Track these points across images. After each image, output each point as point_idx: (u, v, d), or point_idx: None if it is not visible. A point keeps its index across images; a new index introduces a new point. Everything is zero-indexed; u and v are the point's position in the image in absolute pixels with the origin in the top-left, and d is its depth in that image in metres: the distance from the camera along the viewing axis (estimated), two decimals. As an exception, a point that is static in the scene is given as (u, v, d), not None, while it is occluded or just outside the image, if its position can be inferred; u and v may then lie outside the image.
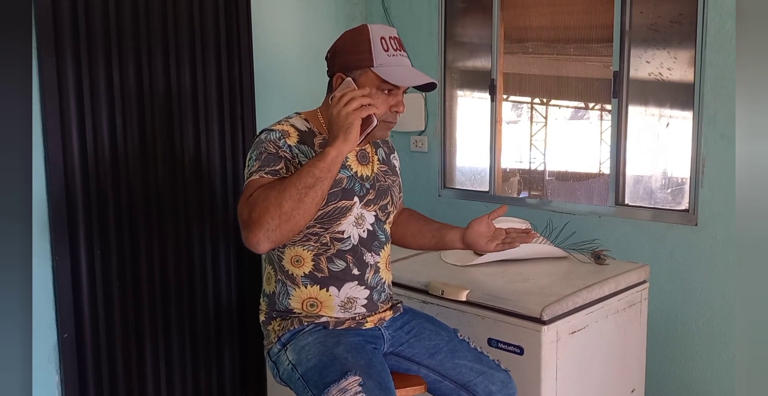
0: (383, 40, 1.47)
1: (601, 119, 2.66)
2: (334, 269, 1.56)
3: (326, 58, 1.56)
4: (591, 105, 2.74)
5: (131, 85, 2.26)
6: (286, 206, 1.34)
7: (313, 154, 1.49)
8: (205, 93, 2.46)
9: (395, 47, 1.48)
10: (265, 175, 1.44)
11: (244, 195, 1.42)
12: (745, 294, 1.11)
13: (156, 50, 2.31)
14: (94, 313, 2.23)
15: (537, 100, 2.94)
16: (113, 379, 2.30)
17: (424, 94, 3.02)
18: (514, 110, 2.97)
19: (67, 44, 2.10)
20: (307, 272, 1.55)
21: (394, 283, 1.86)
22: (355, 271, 1.57)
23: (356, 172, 1.57)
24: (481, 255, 2.13)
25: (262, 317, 1.65)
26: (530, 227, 2.18)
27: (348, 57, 1.48)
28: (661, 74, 2.41)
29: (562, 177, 2.82)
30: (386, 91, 1.48)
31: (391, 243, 1.75)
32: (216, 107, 2.50)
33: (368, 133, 1.43)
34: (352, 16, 3.12)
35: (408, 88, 1.53)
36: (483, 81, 2.92)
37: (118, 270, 2.27)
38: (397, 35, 1.51)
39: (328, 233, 1.54)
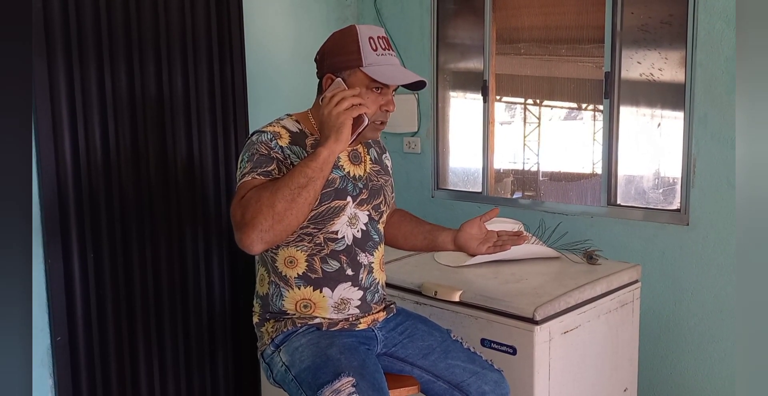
0: (371, 40, 1.48)
1: (594, 120, 2.67)
2: (328, 270, 1.56)
3: (315, 60, 1.57)
4: (583, 105, 2.76)
5: (123, 89, 2.26)
6: (279, 207, 1.34)
7: (305, 155, 1.49)
8: (197, 96, 2.46)
9: (384, 47, 1.49)
10: (257, 177, 1.44)
11: (236, 196, 1.42)
12: (744, 294, 1.11)
13: (148, 53, 2.31)
14: (87, 317, 2.23)
15: (530, 101, 2.95)
16: (107, 383, 2.29)
17: (416, 95, 3.03)
18: (506, 111, 2.98)
19: (59, 48, 2.10)
20: (300, 273, 1.56)
21: (388, 284, 1.86)
22: (349, 272, 1.57)
23: (349, 172, 1.58)
24: (474, 256, 2.13)
25: (255, 319, 1.65)
26: (523, 228, 2.19)
27: (337, 58, 1.49)
28: (652, 75, 2.42)
29: (555, 177, 2.83)
30: (376, 90, 1.49)
31: (385, 244, 1.75)
32: (208, 110, 2.50)
33: (359, 133, 1.44)
34: (343, 18, 3.13)
35: (398, 87, 1.53)
36: (475, 82, 2.93)
37: (111, 273, 2.26)
38: (385, 35, 1.52)
39: (321, 233, 1.54)
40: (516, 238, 1.69)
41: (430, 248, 1.79)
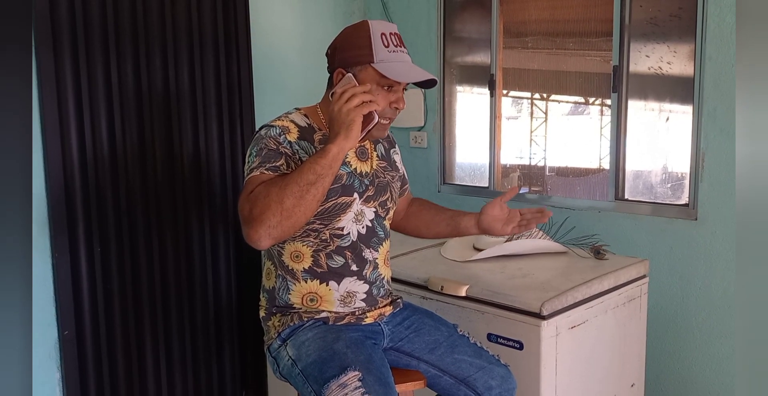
0: (384, 36, 1.47)
1: (601, 114, 2.66)
2: (333, 265, 1.56)
3: (326, 55, 1.56)
4: (591, 100, 2.74)
5: (130, 83, 2.25)
6: (288, 202, 1.34)
7: (313, 151, 1.48)
8: (204, 91, 2.46)
9: (395, 43, 1.48)
10: (265, 172, 1.43)
11: (244, 191, 1.42)
12: (744, 291, 1.11)
13: (154, 48, 2.31)
14: (95, 310, 2.23)
15: (537, 96, 2.93)
16: (114, 376, 2.30)
17: (423, 90, 3.01)
18: (513, 106, 2.96)
19: (65, 42, 2.09)
20: (306, 267, 1.56)
21: (394, 279, 1.86)
22: (354, 267, 1.57)
23: (355, 169, 1.57)
24: (482, 250, 2.13)
25: (262, 313, 1.65)
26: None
27: (348, 53, 1.48)
28: (660, 68, 2.41)
29: (562, 172, 2.82)
30: (386, 88, 1.48)
31: (408, 234, 1.76)
32: (214, 105, 2.50)
33: (369, 130, 1.43)
34: (350, 13, 3.12)
35: (408, 84, 1.52)
36: (482, 76, 2.91)
37: (117, 267, 2.27)
38: (397, 31, 1.51)
39: (327, 229, 1.54)
40: (540, 215, 1.66)
41: (454, 234, 1.78)
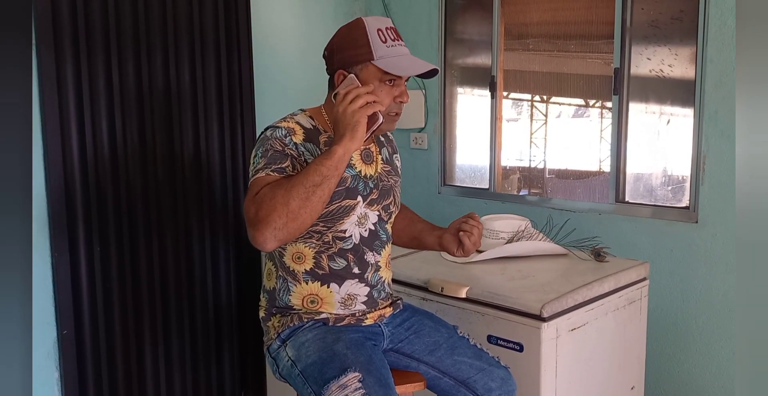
0: (380, 32, 1.46)
1: (602, 117, 2.65)
2: (335, 267, 1.55)
3: (324, 56, 1.55)
4: (591, 102, 2.74)
5: (131, 83, 2.25)
6: (293, 204, 1.33)
7: (319, 153, 1.47)
8: (205, 91, 2.46)
9: (393, 37, 1.48)
10: (271, 173, 1.43)
11: (250, 193, 1.41)
12: (745, 294, 1.11)
13: (155, 47, 2.31)
14: (94, 310, 2.23)
15: (537, 98, 2.93)
16: (113, 376, 2.30)
17: (424, 91, 3.02)
18: (514, 108, 2.96)
19: (67, 41, 2.09)
20: (308, 269, 1.55)
21: (394, 280, 1.86)
22: (356, 270, 1.57)
23: (360, 171, 1.57)
24: (483, 251, 2.13)
25: (261, 313, 1.65)
26: (530, 224, 2.19)
27: (347, 53, 1.47)
28: (662, 71, 2.41)
29: (563, 175, 2.82)
30: (389, 82, 1.48)
31: None
32: (215, 105, 2.50)
33: (374, 131, 1.43)
34: (351, 13, 3.11)
35: (410, 76, 1.52)
36: (483, 78, 2.91)
37: (117, 267, 2.27)
38: (392, 25, 1.51)
39: (330, 232, 1.53)
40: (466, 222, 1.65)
41: (418, 248, 1.85)
